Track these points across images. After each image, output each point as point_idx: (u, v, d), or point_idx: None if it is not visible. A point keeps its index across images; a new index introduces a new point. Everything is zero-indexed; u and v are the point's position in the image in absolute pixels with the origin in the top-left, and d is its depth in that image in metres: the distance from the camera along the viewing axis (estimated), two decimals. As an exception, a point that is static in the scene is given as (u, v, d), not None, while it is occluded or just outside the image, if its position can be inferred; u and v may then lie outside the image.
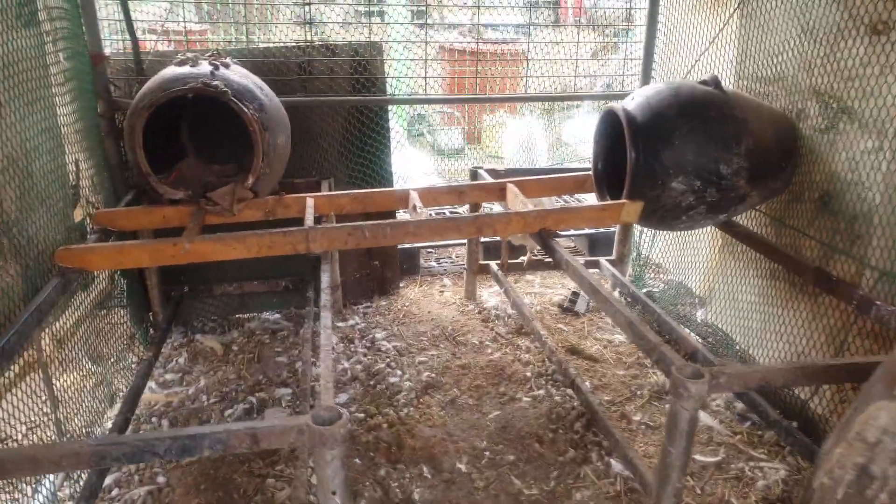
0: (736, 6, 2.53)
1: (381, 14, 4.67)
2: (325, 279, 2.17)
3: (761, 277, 2.49)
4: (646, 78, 3.08)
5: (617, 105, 2.31)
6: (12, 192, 1.80)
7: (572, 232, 3.95)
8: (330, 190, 2.93)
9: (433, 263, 3.67)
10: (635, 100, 2.29)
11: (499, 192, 2.59)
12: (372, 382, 2.52)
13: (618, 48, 8.30)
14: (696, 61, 2.77)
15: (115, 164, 2.75)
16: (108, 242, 2.17)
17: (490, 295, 3.30)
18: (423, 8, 4.97)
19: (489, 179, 2.75)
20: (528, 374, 2.58)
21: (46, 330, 2.06)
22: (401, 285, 3.38)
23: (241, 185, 2.34)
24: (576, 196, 4.41)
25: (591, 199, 3.23)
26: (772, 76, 2.39)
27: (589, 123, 6.70)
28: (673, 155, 2.17)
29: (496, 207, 3.36)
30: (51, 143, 2.09)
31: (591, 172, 2.58)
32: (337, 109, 3.01)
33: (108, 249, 2.02)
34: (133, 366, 2.77)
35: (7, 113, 1.77)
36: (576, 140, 6.90)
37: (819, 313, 2.18)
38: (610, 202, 2.35)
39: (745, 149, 2.15)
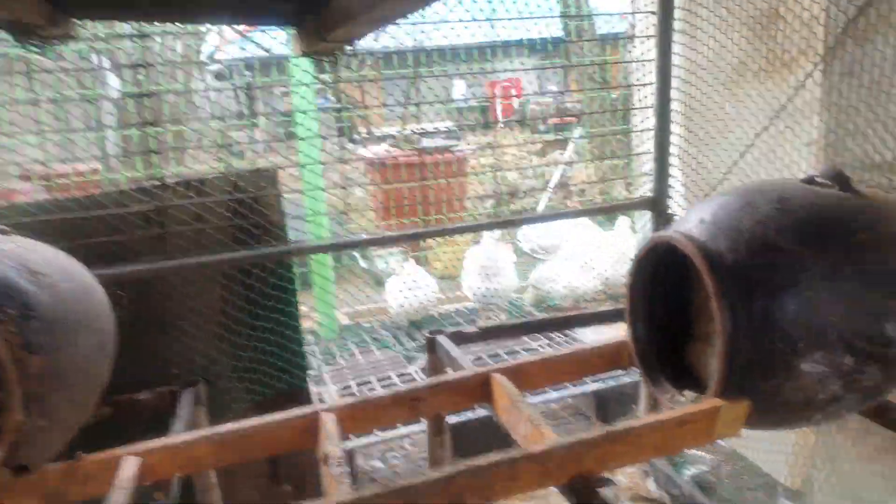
0: (816, 65, 1.66)
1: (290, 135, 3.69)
2: None
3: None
4: (661, 179, 2.16)
5: (673, 233, 1.33)
6: None
7: (569, 390, 2.94)
8: (199, 402, 1.78)
9: (377, 463, 2.49)
10: (704, 221, 1.31)
11: (479, 391, 1.51)
12: None
13: (565, 144, 7.70)
14: (746, 151, 1.87)
15: None
16: None
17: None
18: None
19: (462, 371, 1.62)
20: None
21: None
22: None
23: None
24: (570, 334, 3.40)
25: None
26: None
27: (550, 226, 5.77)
28: (800, 315, 1.18)
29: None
30: None
31: (625, 338, 1.55)
32: (211, 275, 1.94)
33: None
34: None
35: None
36: (537, 245, 5.98)
37: None
38: (693, 409, 1.29)
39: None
